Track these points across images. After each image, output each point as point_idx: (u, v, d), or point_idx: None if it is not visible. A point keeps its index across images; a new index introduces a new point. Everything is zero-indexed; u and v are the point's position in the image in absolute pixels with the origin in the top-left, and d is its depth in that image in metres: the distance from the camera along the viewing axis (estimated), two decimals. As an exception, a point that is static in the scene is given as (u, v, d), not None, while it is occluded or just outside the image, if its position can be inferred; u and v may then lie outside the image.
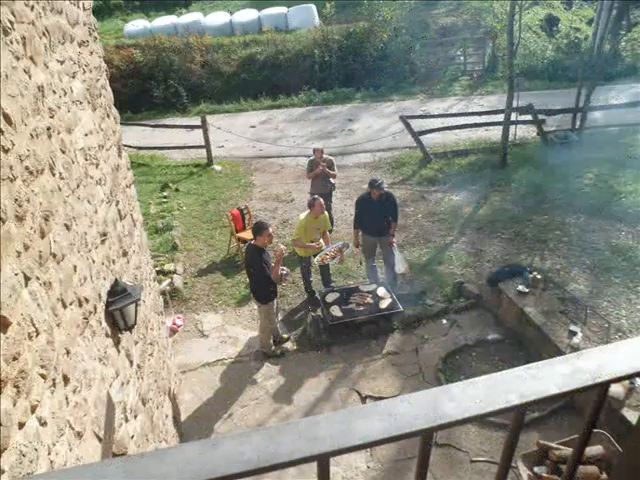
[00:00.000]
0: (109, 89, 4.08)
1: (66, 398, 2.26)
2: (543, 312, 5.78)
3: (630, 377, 0.70)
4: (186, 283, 7.58)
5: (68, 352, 2.35)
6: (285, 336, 6.40)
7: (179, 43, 16.91)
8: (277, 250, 5.69)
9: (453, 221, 8.63)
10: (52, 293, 2.24)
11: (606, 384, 0.69)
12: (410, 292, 6.88)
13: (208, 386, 5.83)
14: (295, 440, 0.60)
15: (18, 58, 2.14)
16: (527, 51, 15.83)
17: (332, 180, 8.00)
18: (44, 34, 2.56)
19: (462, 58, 16.58)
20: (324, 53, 16.23)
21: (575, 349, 5.20)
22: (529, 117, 10.66)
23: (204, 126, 11.16)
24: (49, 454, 1.99)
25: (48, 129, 2.42)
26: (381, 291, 6.62)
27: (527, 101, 10.83)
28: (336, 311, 6.34)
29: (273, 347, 6.21)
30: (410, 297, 6.77)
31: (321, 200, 6.38)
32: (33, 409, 1.91)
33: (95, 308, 2.90)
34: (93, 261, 2.96)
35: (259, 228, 5.56)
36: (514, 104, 10.07)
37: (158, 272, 7.20)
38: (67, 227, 2.55)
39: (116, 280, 3.31)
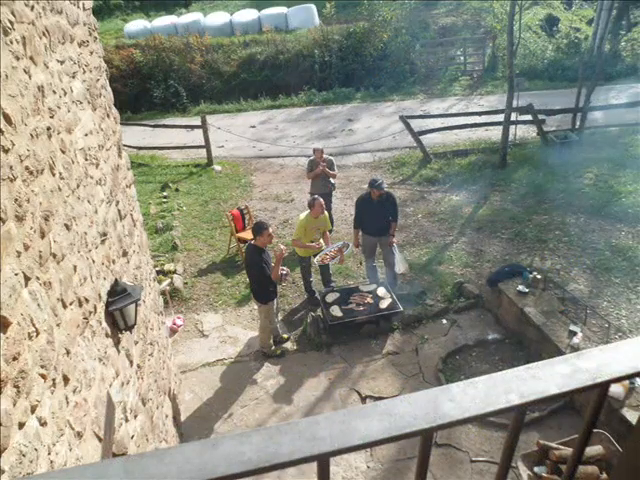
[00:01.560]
0: (109, 89, 4.08)
1: (66, 398, 2.26)
2: (543, 312, 5.78)
3: (630, 377, 0.70)
4: (186, 283, 7.58)
5: (68, 352, 2.35)
6: (285, 336, 6.40)
7: (179, 43, 16.92)
8: (277, 250, 5.69)
9: (453, 221, 8.63)
10: (52, 293, 2.24)
11: (606, 384, 0.69)
12: (410, 292, 6.88)
13: (208, 386, 5.83)
14: (295, 440, 0.60)
15: (18, 58, 2.14)
16: (527, 51, 15.83)
17: (332, 180, 8.00)
18: (44, 34, 2.56)
19: (462, 58, 16.58)
20: (324, 53, 16.23)
21: (575, 349, 5.20)
22: (529, 117, 10.66)
23: (204, 126, 11.16)
24: (49, 454, 1.99)
25: (48, 129, 2.42)
26: (381, 291, 6.61)
27: (527, 101, 10.82)
28: (336, 311, 6.34)
29: (273, 347, 6.21)
30: (410, 297, 6.76)
31: (321, 200, 6.37)
32: (33, 409, 1.91)
33: (95, 308, 2.90)
34: (93, 261, 2.96)
35: (259, 228, 5.56)
36: (514, 104, 10.06)
37: (158, 272, 7.20)
38: (67, 227, 2.55)
39: (116, 280, 3.31)
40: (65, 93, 2.82)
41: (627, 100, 12.04)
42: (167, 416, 4.69)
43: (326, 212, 6.68)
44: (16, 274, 1.89)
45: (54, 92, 2.61)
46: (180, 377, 5.89)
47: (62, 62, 2.84)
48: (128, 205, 4.23)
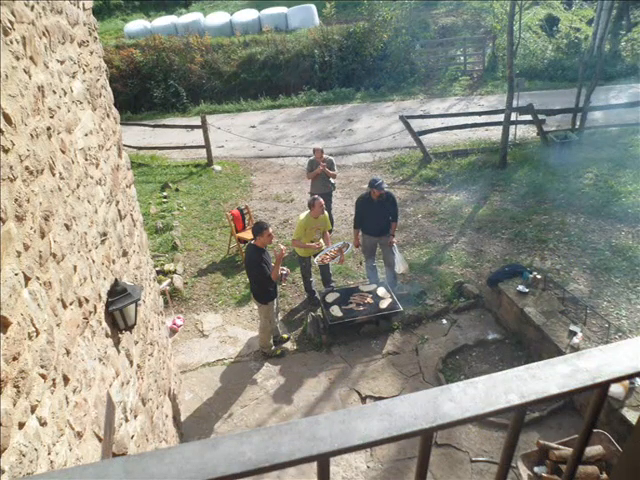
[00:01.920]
0: (109, 89, 4.08)
1: (66, 398, 2.26)
2: (543, 312, 5.78)
3: (630, 377, 0.70)
4: (186, 283, 7.58)
5: (68, 352, 2.35)
6: (285, 336, 6.40)
7: (179, 43, 16.93)
8: (277, 250, 5.69)
9: (453, 221, 8.63)
10: (52, 293, 2.24)
11: (606, 384, 0.69)
12: (410, 292, 6.88)
13: (208, 386, 5.83)
14: (295, 440, 0.60)
15: (18, 58, 2.14)
16: (527, 51, 15.85)
17: (332, 180, 8.00)
18: (44, 34, 2.56)
19: (462, 58, 16.59)
20: (324, 53, 16.24)
21: (575, 349, 5.20)
22: (529, 117, 10.66)
23: (204, 126, 11.17)
24: (49, 454, 1.99)
25: (48, 129, 2.42)
26: (381, 291, 6.61)
27: (527, 101, 10.83)
28: (336, 311, 6.34)
29: (273, 347, 6.21)
30: (410, 297, 6.77)
31: (321, 200, 6.37)
32: (33, 409, 1.91)
33: (95, 308, 2.90)
34: (93, 261, 2.96)
35: (259, 228, 5.56)
36: (514, 104, 10.06)
37: (158, 272, 7.20)
38: (67, 227, 2.55)
39: (116, 280, 3.31)
40: (65, 93, 2.82)
41: (627, 100, 12.04)
42: (167, 416, 4.69)
43: (326, 212, 6.68)
44: (16, 274, 1.89)
45: (54, 92, 2.61)
46: (180, 377, 5.88)
47: (62, 62, 2.84)
48: (128, 205, 4.23)
